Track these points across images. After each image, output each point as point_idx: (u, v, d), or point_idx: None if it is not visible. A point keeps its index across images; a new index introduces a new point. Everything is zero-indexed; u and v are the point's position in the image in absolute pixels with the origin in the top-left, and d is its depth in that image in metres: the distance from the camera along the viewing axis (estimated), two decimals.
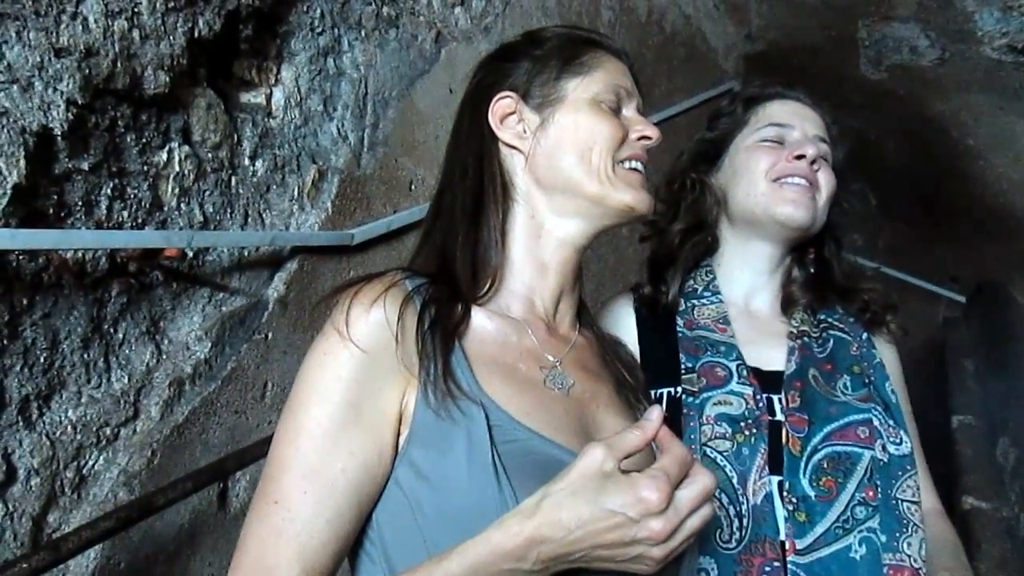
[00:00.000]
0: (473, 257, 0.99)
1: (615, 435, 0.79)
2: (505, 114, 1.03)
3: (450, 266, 0.99)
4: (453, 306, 0.94)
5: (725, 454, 1.16)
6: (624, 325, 1.33)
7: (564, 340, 1.03)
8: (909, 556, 1.15)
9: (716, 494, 1.14)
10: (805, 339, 1.30)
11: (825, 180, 1.33)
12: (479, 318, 0.97)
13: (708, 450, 1.16)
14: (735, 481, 1.14)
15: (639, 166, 1.03)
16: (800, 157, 1.31)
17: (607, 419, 0.98)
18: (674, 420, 1.20)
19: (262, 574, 0.82)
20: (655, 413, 0.79)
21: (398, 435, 0.88)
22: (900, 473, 1.20)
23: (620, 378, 1.07)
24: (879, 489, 1.17)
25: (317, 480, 0.84)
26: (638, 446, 0.78)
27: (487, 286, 0.98)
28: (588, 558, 0.77)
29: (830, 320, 1.35)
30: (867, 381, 1.27)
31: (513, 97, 1.03)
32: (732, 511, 1.13)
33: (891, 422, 1.23)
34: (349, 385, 0.86)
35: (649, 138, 1.05)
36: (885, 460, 1.19)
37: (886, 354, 1.34)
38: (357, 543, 0.90)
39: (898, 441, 1.22)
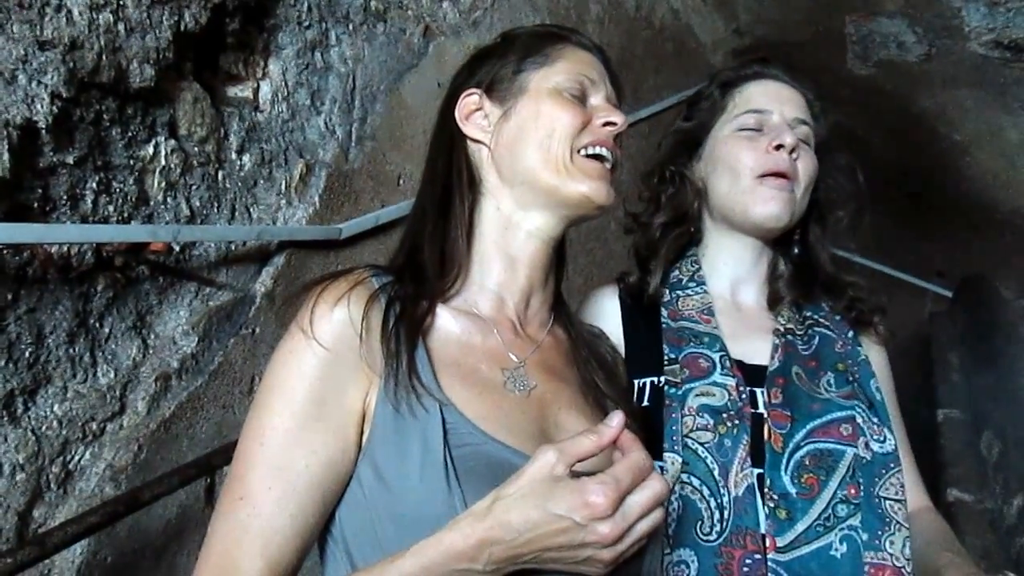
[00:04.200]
0: (441, 249, 1.00)
1: (569, 439, 0.80)
2: (471, 110, 1.04)
3: (418, 257, 1.00)
4: (418, 304, 0.95)
5: (707, 445, 1.15)
6: (609, 315, 1.32)
7: (531, 340, 1.03)
8: (891, 555, 1.13)
9: (697, 486, 1.14)
10: (790, 336, 1.29)
11: (804, 168, 1.31)
12: (444, 317, 0.98)
13: (690, 441, 1.15)
14: (716, 473, 1.14)
15: (602, 151, 1.02)
16: (779, 147, 1.29)
17: (569, 421, 0.98)
18: (657, 410, 1.20)
19: (226, 569, 0.83)
20: (616, 419, 0.80)
21: (362, 433, 0.89)
22: (883, 471, 1.19)
23: (588, 379, 1.07)
24: (861, 487, 1.16)
25: (281, 477, 0.85)
26: (591, 451, 0.79)
27: (453, 279, 0.99)
28: (538, 560, 0.78)
29: (816, 317, 1.34)
30: (851, 379, 1.26)
31: (478, 93, 1.04)
32: (713, 503, 1.13)
33: (875, 420, 1.22)
34: (313, 383, 0.87)
35: (614, 123, 1.03)
36: (868, 458, 1.18)
37: (873, 354, 1.33)
38: (324, 538, 0.91)
39: (882, 439, 1.21)
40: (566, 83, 1.02)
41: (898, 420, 1.29)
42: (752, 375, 1.23)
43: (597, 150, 1.01)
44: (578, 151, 1.00)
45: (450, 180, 1.03)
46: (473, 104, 1.04)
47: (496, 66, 1.05)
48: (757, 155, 1.30)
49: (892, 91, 4.14)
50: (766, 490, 1.14)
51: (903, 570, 1.13)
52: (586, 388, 1.05)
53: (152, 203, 1.55)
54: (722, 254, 1.37)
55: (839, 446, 1.18)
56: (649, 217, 1.40)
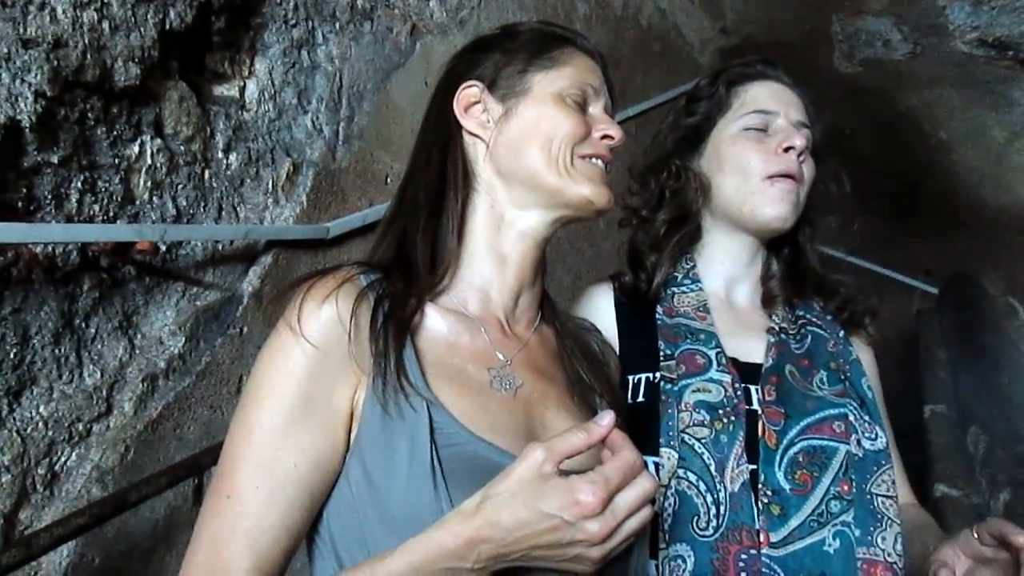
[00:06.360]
0: (433, 244, 0.99)
1: (557, 436, 0.79)
2: (470, 103, 1.03)
3: (409, 252, 0.99)
4: (407, 302, 0.94)
5: (703, 441, 1.15)
6: (603, 312, 1.32)
7: (518, 339, 1.02)
8: (883, 550, 1.14)
9: (693, 481, 1.14)
10: (783, 335, 1.30)
11: (808, 172, 1.33)
12: (432, 316, 0.97)
13: (686, 437, 1.16)
14: (713, 468, 1.14)
15: (599, 163, 1.03)
16: (788, 149, 1.30)
17: (555, 420, 0.98)
18: (652, 406, 1.20)
19: (214, 568, 0.83)
20: (607, 419, 0.80)
21: (350, 431, 0.88)
22: (875, 468, 1.20)
23: (575, 377, 1.06)
24: (854, 483, 1.17)
25: (269, 476, 0.85)
26: (579, 448, 0.78)
27: (442, 276, 0.98)
28: (527, 558, 0.78)
29: (808, 316, 1.35)
30: (843, 377, 1.27)
31: (479, 86, 1.02)
32: (709, 498, 1.13)
33: (866, 417, 1.23)
34: (301, 382, 0.87)
35: (612, 138, 1.04)
36: (860, 455, 1.19)
37: (863, 354, 1.34)
38: (312, 537, 0.91)
39: (873, 436, 1.22)
40: (570, 89, 1.02)
41: (886, 421, 1.30)
42: (746, 372, 1.23)
43: (594, 161, 1.02)
44: (580, 157, 1.01)
45: (445, 173, 1.01)
46: (473, 97, 1.02)
47: (501, 62, 1.03)
48: (767, 156, 1.30)
49: (878, 89, 4.17)
50: (760, 486, 1.14)
51: (895, 565, 1.14)
52: (573, 386, 1.05)
53: (138, 202, 1.54)
54: (718, 252, 1.37)
55: (832, 443, 1.18)
56: (651, 212, 1.39)
